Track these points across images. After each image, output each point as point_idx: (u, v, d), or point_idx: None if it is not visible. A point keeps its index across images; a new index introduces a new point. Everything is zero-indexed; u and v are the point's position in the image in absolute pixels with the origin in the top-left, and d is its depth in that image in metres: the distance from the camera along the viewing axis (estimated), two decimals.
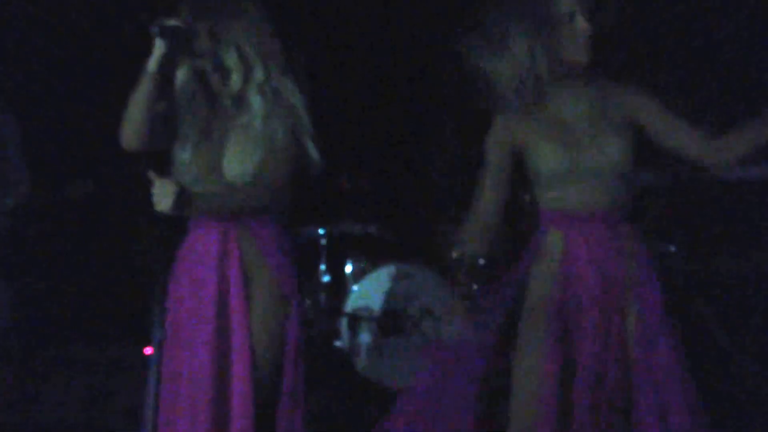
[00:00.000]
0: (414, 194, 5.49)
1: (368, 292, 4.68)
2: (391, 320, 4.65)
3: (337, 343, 4.64)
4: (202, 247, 2.60)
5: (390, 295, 4.68)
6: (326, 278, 4.81)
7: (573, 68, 2.45)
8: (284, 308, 2.59)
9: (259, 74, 2.56)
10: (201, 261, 2.60)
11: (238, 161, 2.55)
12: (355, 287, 4.70)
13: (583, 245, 2.43)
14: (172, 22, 2.42)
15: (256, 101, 2.57)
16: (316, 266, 4.84)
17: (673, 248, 4.57)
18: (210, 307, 2.56)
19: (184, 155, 2.59)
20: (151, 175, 2.39)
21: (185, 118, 2.60)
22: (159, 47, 2.41)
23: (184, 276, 2.64)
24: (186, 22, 2.46)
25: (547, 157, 2.44)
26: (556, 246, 2.47)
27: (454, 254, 2.66)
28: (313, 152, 2.61)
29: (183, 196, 2.39)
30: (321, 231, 4.85)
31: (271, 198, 2.58)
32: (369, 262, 4.82)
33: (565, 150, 2.44)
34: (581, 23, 2.39)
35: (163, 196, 2.37)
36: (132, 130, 2.50)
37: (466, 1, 2.49)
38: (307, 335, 4.61)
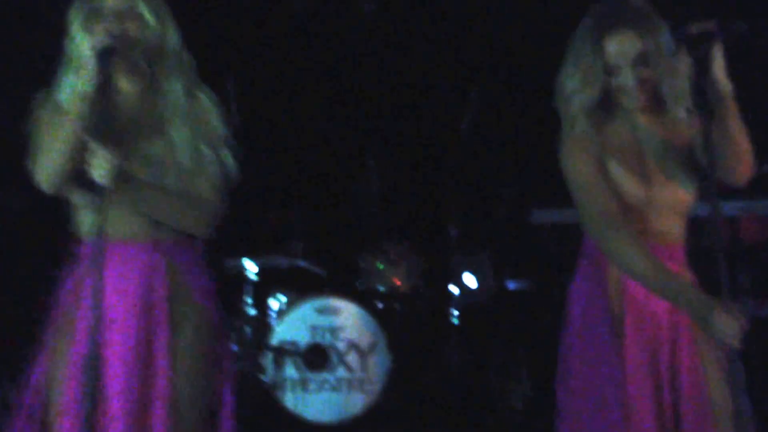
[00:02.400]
0: (340, 229, 5.51)
1: (294, 326, 4.66)
2: (316, 354, 4.64)
3: (262, 378, 4.59)
4: (117, 276, 2.41)
5: (316, 329, 4.66)
6: (252, 312, 4.76)
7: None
8: (214, 342, 2.47)
9: (175, 86, 2.47)
10: (118, 291, 2.40)
11: (164, 177, 2.43)
12: (280, 321, 4.67)
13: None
14: (105, 42, 2.31)
15: (172, 111, 2.46)
16: (242, 299, 4.78)
17: None
18: (126, 348, 2.37)
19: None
20: (91, 144, 2.27)
21: (98, 138, 2.36)
22: (94, 68, 2.30)
23: (83, 307, 2.38)
24: (115, 35, 2.33)
25: (620, 182, 2.39)
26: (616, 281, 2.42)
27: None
28: (226, 160, 2.50)
29: (122, 170, 2.28)
30: (245, 263, 4.79)
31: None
32: (295, 295, 4.80)
33: (639, 178, 2.41)
34: (627, 78, 2.38)
35: (101, 166, 2.25)
36: (58, 161, 2.32)
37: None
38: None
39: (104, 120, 2.34)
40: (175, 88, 2.48)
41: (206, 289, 2.49)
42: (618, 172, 2.40)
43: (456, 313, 4.91)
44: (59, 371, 2.37)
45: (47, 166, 2.35)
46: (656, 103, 2.45)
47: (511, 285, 5.23)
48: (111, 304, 2.39)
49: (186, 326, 2.43)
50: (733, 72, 2.31)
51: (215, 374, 2.47)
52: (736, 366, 2.18)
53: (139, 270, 2.41)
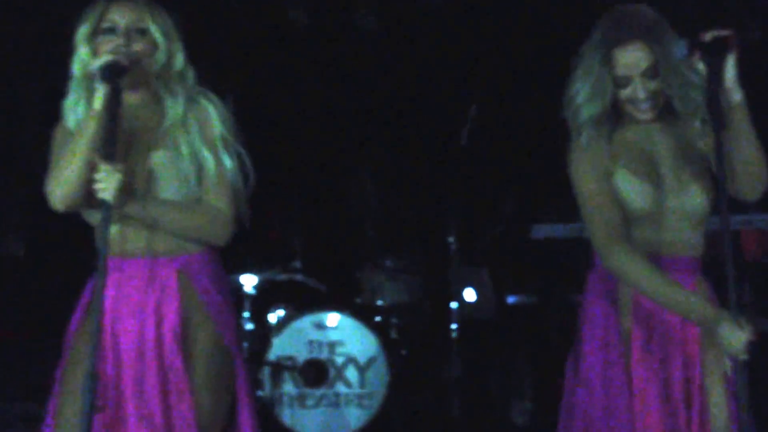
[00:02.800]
0: (338, 244, 5.50)
1: (292, 340, 4.65)
2: (314, 370, 4.63)
3: (260, 393, 4.57)
4: (126, 296, 2.42)
5: (313, 344, 4.66)
6: (249, 326, 4.75)
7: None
8: (228, 362, 2.46)
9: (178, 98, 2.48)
10: (127, 311, 2.41)
11: (170, 188, 2.43)
12: (278, 336, 4.66)
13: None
14: (109, 59, 2.33)
15: (173, 124, 2.46)
16: (239, 314, 4.75)
17: None
18: (139, 368, 2.37)
19: None
20: (97, 158, 2.28)
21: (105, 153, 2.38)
22: (103, 87, 2.32)
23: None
24: (122, 54, 2.36)
25: (631, 192, 2.39)
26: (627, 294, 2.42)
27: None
28: (228, 162, 2.47)
29: (126, 185, 2.29)
30: (243, 278, 4.78)
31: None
32: (292, 310, 4.79)
33: (651, 187, 2.40)
34: (638, 90, 2.37)
35: (107, 182, 2.26)
36: (73, 181, 2.34)
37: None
38: None
39: (113, 136, 2.33)
40: (177, 103, 2.48)
41: (222, 306, 2.46)
42: (628, 181, 2.40)
43: (455, 327, 4.88)
44: (75, 387, 2.31)
45: (61, 187, 2.36)
46: (669, 113, 2.45)
47: (511, 299, 5.23)
48: (122, 320, 2.40)
49: (198, 349, 2.41)
50: (746, 81, 2.31)
51: (230, 396, 2.45)
52: (742, 379, 2.18)
53: (150, 285, 2.40)
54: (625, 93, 2.39)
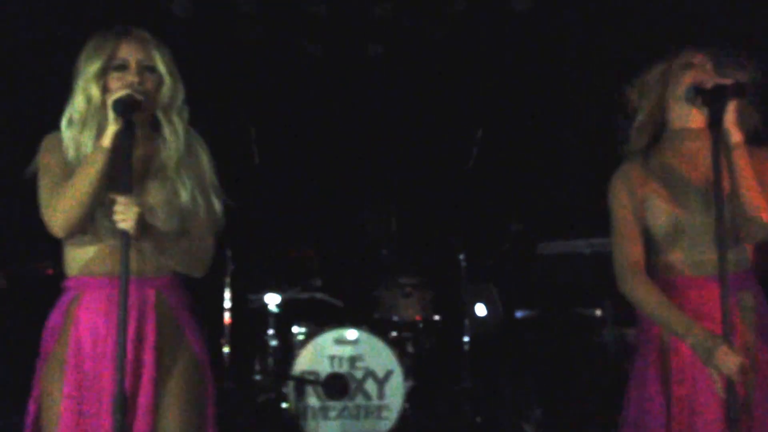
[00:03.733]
0: (357, 263, 5.63)
1: (314, 356, 4.77)
2: (336, 383, 4.75)
3: (284, 406, 4.71)
4: (106, 311, 2.39)
5: (335, 359, 4.78)
6: (274, 343, 4.91)
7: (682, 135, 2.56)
8: (201, 378, 2.47)
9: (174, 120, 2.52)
10: (107, 326, 2.37)
11: (168, 221, 2.44)
12: (301, 351, 4.77)
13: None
14: (124, 93, 2.35)
15: (174, 158, 2.49)
16: (265, 331, 4.95)
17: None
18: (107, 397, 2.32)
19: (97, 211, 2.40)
20: (113, 194, 2.30)
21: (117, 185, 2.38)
22: (116, 122, 2.33)
23: (72, 345, 2.38)
24: (136, 90, 2.38)
25: (656, 214, 2.51)
26: None
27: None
28: (217, 206, 2.52)
29: (143, 216, 2.31)
30: (268, 297, 4.94)
31: (195, 252, 2.49)
32: (314, 327, 4.90)
33: (679, 209, 2.49)
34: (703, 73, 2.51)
35: (126, 214, 2.27)
36: (77, 210, 2.34)
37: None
38: (257, 399, 4.72)
39: (128, 169, 2.34)
40: (178, 139, 2.50)
41: (196, 328, 2.50)
42: (656, 207, 2.53)
43: (467, 340, 5.02)
44: (52, 410, 2.35)
45: (66, 216, 2.35)
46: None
47: (519, 313, 5.35)
48: (100, 338, 2.38)
49: (175, 365, 2.42)
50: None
51: (201, 417, 2.46)
52: (733, 398, 2.31)
53: (132, 304, 2.36)
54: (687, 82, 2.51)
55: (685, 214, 2.51)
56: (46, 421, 2.37)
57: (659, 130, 2.63)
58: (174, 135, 2.50)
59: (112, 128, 2.34)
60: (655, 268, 2.56)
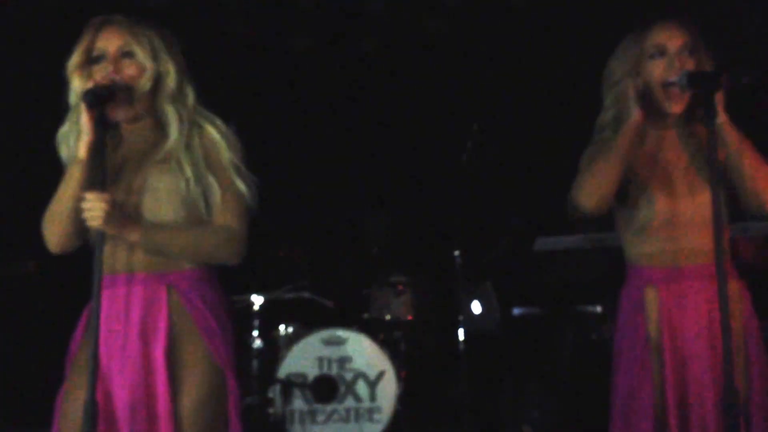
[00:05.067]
0: (346, 261, 5.55)
1: (301, 357, 4.67)
2: (324, 385, 4.65)
3: (271, 410, 4.60)
4: (117, 309, 2.35)
5: (323, 361, 4.68)
6: (258, 344, 4.79)
7: (667, 116, 2.49)
8: (219, 383, 2.36)
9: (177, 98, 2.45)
10: (118, 324, 2.34)
11: (174, 211, 2.39)
12: (287, 353, 4.68)
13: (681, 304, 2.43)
14: (90, 85, 2.31)
15: (175, 144, 2.42)
16: (249, 332, 4.82)
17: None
18: (127, 388, 2.30)
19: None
20: (88, 191, 2.26)
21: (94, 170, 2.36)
22: (86, 113, 2.29)
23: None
24: (112, 80, 2.34)
25: (645, 202, 2.45)
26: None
27: None
28: (240, 186, 2.44)
29: (115, 210, 2.27)
30: (252, 298, 4.83)
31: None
32: (301, 327, 4.82)
33: (663, 196, 2.45)
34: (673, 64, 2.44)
35: (93, 210, 2.23)
36: (64, 228, 2.34)
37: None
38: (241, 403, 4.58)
39: (101, 163, 2.30)
40: (178, 123, 2.43)
41: (213, 323, 2.37)
42: (641, 191, 2.46)
43: (462, 339, 4.92)
44: (77, 410, 2.26)
45: (52, 231, 2.36)
46: (686, 121, 2.53)
47: (516, 311, 5.26)
48: (111, 338, 2.34)
49: (189, 365, 2.34)
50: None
51: (222, 417, 2.37)
52: (732, 393, 2.19)
53: (138, 302, 2.34)
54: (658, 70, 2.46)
55: (670, 201, 2.45)
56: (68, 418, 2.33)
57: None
58: (170, 117, 2.43)
59: (85, 137, 2.31)
60: (638, 257, 2.51)
